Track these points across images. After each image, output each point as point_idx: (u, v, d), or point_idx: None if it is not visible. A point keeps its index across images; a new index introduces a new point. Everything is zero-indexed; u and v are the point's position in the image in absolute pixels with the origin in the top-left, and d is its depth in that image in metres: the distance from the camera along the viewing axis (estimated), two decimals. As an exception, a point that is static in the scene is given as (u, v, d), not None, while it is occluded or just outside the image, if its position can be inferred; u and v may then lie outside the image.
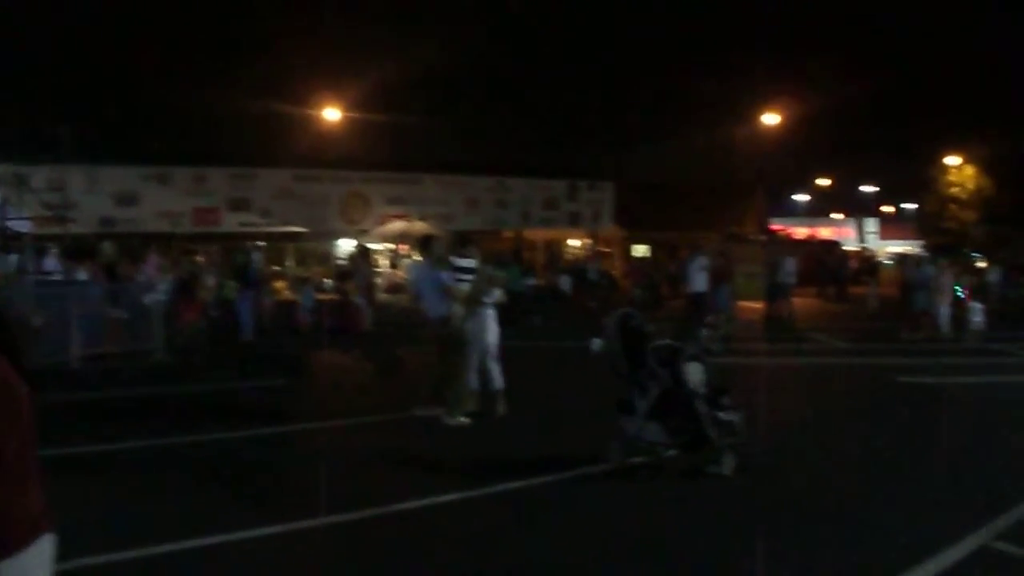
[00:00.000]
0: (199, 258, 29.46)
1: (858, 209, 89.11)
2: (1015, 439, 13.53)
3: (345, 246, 44.68)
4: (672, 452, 11.23)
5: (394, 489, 10.25)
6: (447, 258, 14.99)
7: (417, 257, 18.88)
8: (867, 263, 62.94)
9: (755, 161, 63.01)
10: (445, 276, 14.59)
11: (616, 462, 11.11)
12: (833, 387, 18.91)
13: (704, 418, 10.84)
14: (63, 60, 46.54)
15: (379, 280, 37.38)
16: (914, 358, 22.98)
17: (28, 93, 42.78)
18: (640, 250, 59.49)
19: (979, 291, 29.24)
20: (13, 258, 24.61)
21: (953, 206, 76.31)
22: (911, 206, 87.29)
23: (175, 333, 23.36)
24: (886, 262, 70.75)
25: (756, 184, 64.81)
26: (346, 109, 45.92)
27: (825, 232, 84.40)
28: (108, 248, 26.81)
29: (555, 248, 56.76)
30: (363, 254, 33.18)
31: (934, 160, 75.00)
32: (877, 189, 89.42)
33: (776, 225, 78.89)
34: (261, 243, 39.04)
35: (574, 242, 59.35)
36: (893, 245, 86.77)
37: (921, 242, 72.61)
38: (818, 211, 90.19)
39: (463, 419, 14.10)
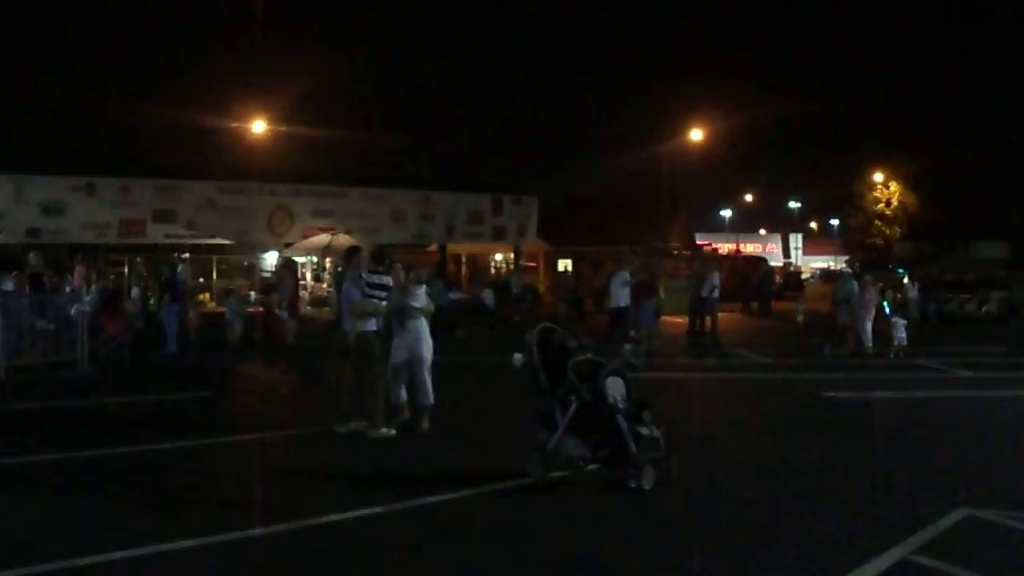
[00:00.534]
0: (124, 269, 29.16)
1: (783, 224, 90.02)
2: (937, 453, 13.65)
3: (270, 259, 44.43)
4: (593, 466, 11.23)
5: (314, 502, 10.17)
6: (364, 272, 14.91)
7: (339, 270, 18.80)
8: (792, 278, 63.70)
9: (680, 176, 63.58)
10: (354, 291, 14.55)
11: (536, 476, 11.08)
12: (756, 402, 18.99)
13: (624, 433, 10.84)
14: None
15: (303, 293, 37.23)
16: (838, 372, 23.17)
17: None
18: (565, 265, 59.66)
19: (901, 307, 29.62)
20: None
21: (878, 222, 77.40)
22: (836, 222, 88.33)
23: (99, 345, 23.13)
24: (810, 277, 71.58)
25: (681, 199, 65.39)
26: (272, 122, 45.75)
27: (750, 247, 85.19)
28: (34, 259, 26.45)
29: (479, 262, 56.76)
30: (287, 267, 32.98)
31: (860, 176, 76.02)
32: (803, 205, 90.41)
33: (701, 240, 79.56)
34: (186, 255, 38.70)
35: (499, 256, 59.40)
36: (818, 260, 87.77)
37: (846, 257, 73.47)
38: (744, 226, 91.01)
39: (387, 432, 14.05)
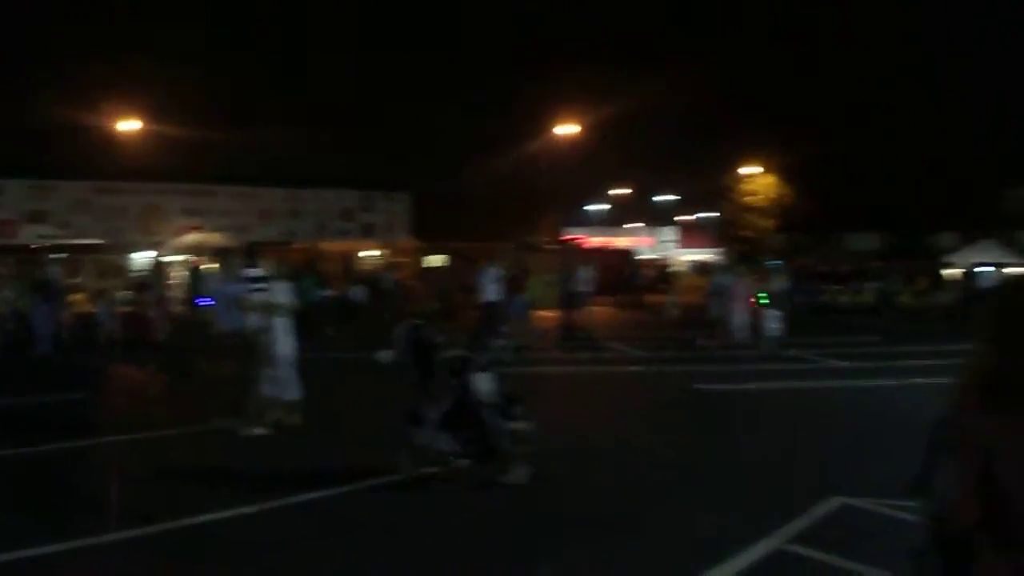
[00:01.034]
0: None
1: (656, 218, 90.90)
2: (810, 443, 13.96)
3: (143, 258, 43.85)
4: (464, 462, 11.33)
5: (189, 502, 10.20)
6: (240, 270, 14.92)
7: (213, 269, 18.73)
8: (662, 272, 64.46)
9: (551, 171, 63.90)
10: (238, 288, 14.55)
11: (408, 473, 11.19)
12: (628, 395, 19.26)
13: (494, 428, 11.01)
14: None
15: (175, 292, 36.84)
16: (710, 365, 23.54)
17: None
18: (436, 261, 59.64)
19: (774, 298, 30.18)
20: None
21: (751, 214, 78.45)
22: (710, 215, 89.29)
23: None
24: (683, 270, 72.41)
25: (552, 194, 65.73)
26: (144, 120, 45.06)
27: (624, 241, 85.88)
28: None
29: (350, 259, 56.55)
30: (159, 266, 32.63)
31: (733, 169, 76.95)
32: (676, 198, 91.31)
33: (573, 235, 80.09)
34: (59, 255, 38.06)
35: (369, 253, 59.21)
36: (692, 254, 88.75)
37: (720, 250, 74.44)
38: (616, 220, 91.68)
39: (261, 430, 14.09)
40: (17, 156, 41.34)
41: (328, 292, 36.04)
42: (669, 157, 73.12)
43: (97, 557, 8.61)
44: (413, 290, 45.52)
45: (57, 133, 42.15)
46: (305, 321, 15.74)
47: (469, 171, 62.76)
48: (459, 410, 11.11)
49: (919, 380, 19.35)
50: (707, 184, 79.85)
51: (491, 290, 26.53)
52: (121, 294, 35.20)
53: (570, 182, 70.94)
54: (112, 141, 42.38)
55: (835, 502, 10.31)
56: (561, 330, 30.92)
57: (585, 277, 31.64)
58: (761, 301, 28.53)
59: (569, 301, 32.15)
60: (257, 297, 14.69)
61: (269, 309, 14.66)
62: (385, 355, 11.49)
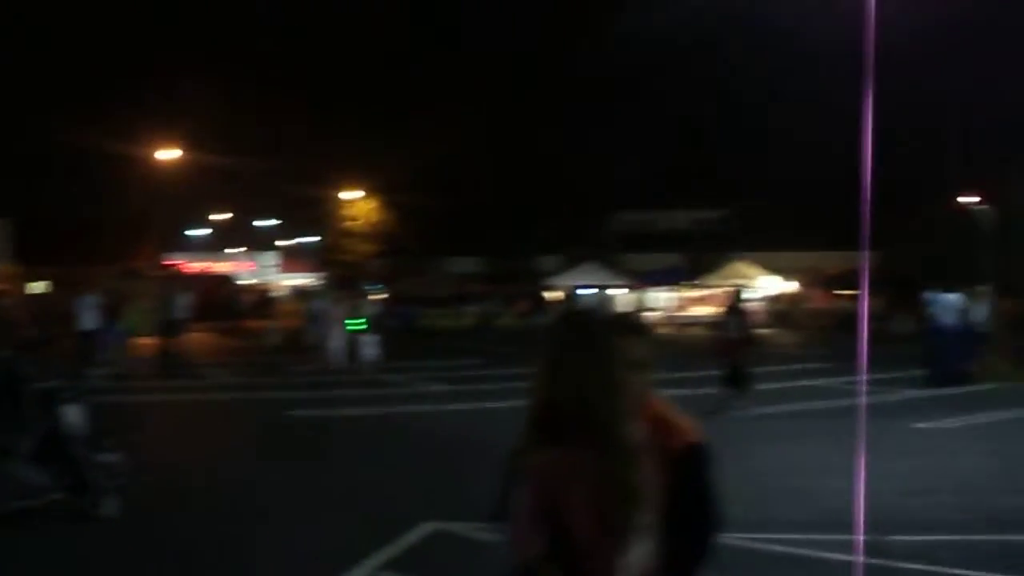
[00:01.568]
0: None
1: (258, 243, 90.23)
2: (404, 469, 14.27)
3: None
4: (58, 495, 11.11)
5: None
6: None
7: None
8: (263, 297, 64.13)
9: (153, 195, 62.51)
10: None
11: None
12: (222, 423, 19.20)
13: (82, 461, 10.90)
14: None
15: None
16: (307, 391, 23.67)
17: None
18: (39, 287, 57.23)
19: (370, 322, 30.62)
20: None
21: (352, 239, 79.11)
22: (312, 239, 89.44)
23: None
24: (283, 295, 72.18)
25: (153, 218, 64.37)
26: None
27: (225, 266, 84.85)
28: None
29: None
30: None
31: (335, 194, 77.36)
32: (277, 223, 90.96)
33: (173, 260, 78.43)
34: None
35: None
36: (293, 278, 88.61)
37: (321, 275, 74.66)
38: (218, 245, 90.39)
39: None
40: None
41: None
42: (273, 183, 72.77)
43: None
44: (13, 318, 43.50)
45: None
46: None
47: (74, 194, 60.54)
48: (49, 442, 10.93)
49: (518, 402, 20.09)
50: (309, 209, 79.99)
51: (88, 318, 25.88)
52: None
53: (171, 206, 69.58)
54: None
55: (428, 527, 10.49)
56: (159, 358, 30.37)
57: (183, 303, 31.10)
58: (355, 326, 28.84)
59: (167, 328, 31.57)
60: None
61: None
62: None
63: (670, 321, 55.08)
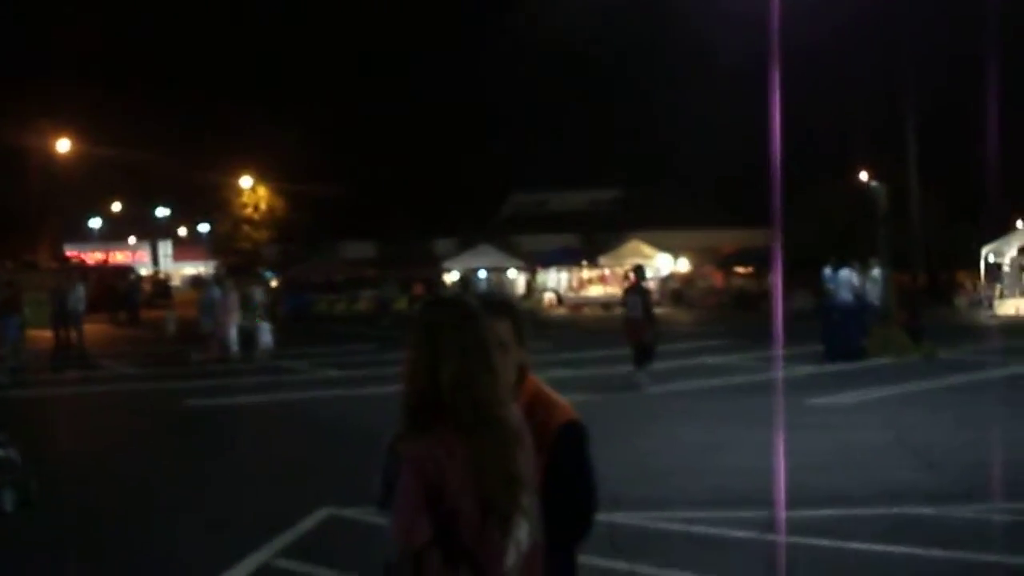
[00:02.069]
0: None
1: (153, 232, 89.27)
2: (300, 455, 14.34)
3: None
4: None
5: None
6: None
7: None
8: (160, 286, 63.41)
9: (50, 187, 61.60)
10: None
11: None
12: (119, 414, 18.98)
13: (-24, 455, 10.74)
14: None
15: None
16: (204, 380, 23.51)
17: None
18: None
19: (264, 310, 30.40)
20: None
21: (247, 226, 78.62)
22: (206, 227, 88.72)
23: None
24: (178, 284, 71.45)
25: (48, 210, 63.38)
26: None
27: (121, 256, 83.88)
28: None
29: None
30: None
31: (229, 182, 76.77)
32: (171, 211, 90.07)
33: (71, 252, 77.36)
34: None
35: None
36: (188, 266, 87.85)
37: (215, 262, 74.05)
38: (113, 235, 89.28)
39: None
40: None
41: None
42: (165, 171, 71.92)
43: None
44: None
45: None
46: None
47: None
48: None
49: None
50: (203, 197, 79.36)
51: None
52: None
53: (68, 198, 68.50)
54: None
55: (323, 512, 10.51)
56: (55, 350, 29.87)
57: (79, 295, 30.59)
58: (248, 314, 28.68)
59: (62, 320, 31.06)
60: None
61: None
62: None
63: (566, 302, 55.41)
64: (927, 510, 10.32)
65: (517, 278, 57.22)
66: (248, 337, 28.09)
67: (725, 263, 61.07)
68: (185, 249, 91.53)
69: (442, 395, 3.64)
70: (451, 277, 54.62)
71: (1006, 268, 42.58)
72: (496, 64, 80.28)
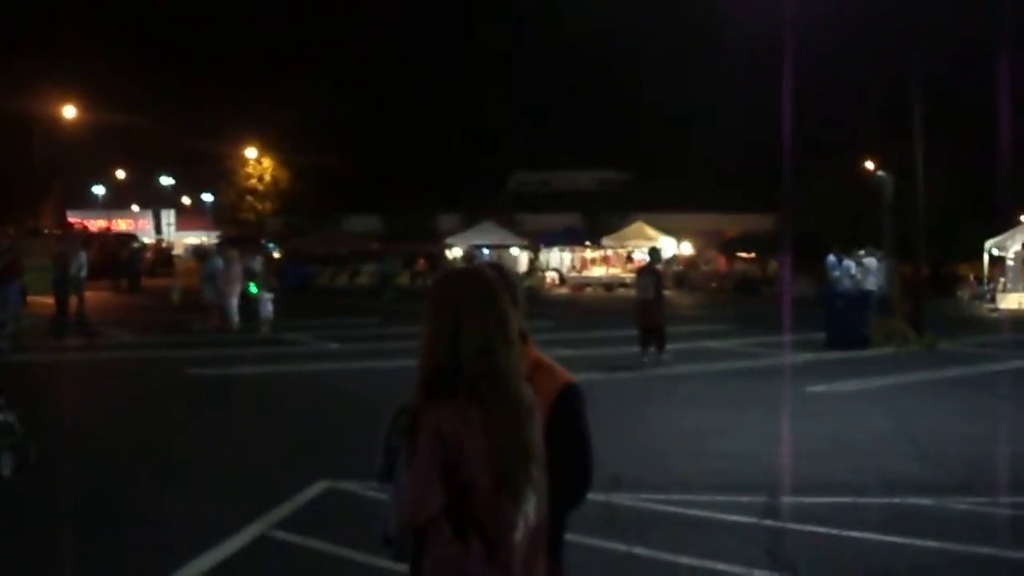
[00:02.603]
0: None
1: (156, 201, 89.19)
2: (299, 428, 14.31)
3: None
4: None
5: None
6: None
7: None
8: (163, 255, 63.33)
9: (54, 153, 61.54)
10: None
11: None
12: (119, 382, 18.97)
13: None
14: None
15: None
16: (204, 350, 23.46)
17: None
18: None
19: (266, 280, 30.31)
20: None
21: (250, 197, 78.57)
22: (209, 197, 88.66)
23: None
24: (183, 254, 71.36)
25: (53, 176, 63.33)
26: None
27: (124, 224, 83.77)
28: None
29: None
30: None
31: (234, 152, 76.70)
32: (175, 181, 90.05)
33: (74, 218, 77.35)
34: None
35: None
36: (191, 236, 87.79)
37: (217, 233, 73.95)
38: (116, 203, 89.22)
39: None
40: None
41: None
42: (169, 139, 71.92)
43: None
44: None
45: None
46: None
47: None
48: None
49: (412, 362, 20.00)
50: (208, 167, 79.32)
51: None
52: None
53: (72, 163, 68.41)
54: None
55: (321, 485, 10.55)
56: (56, 316, 29.85)
57: (81, 261, 30.53)
58: (251, 285, 28.67)
59: (64, 287, 31.02)
60: None
61: None
62: None
63: (568, 281, 55.37)
64: (925, 501, 10.33)
65: (520, 256, 57.10)
66: (250, 308, 28.03)
67: (728, 247, 61.01)
68: (188, 219, 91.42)
69: (462, 366, 3.66)
70: (454, 253, 54.51)
71: (1010, 262, 42.53)
72: (504, 42, 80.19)
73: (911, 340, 25.14)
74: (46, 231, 54.62)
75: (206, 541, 8.64)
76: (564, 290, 53.05)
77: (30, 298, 28.63)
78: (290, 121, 69.22)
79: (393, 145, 77.37)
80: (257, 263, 30.82)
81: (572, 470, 4.04)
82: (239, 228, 72.70)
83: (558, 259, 58.59)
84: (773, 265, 55.30)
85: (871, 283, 30.71)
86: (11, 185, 61.64)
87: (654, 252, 22.78)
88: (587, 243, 58.13)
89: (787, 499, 9.93)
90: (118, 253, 49.40)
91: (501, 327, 3.70)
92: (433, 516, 3.56)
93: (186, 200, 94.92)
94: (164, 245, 73.26)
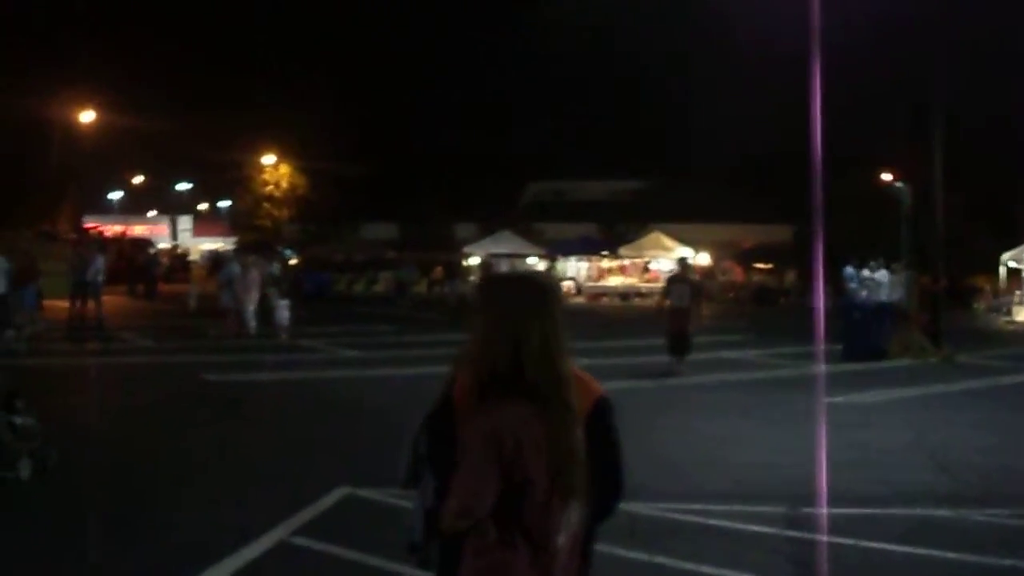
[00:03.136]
0: None
1: (173, 207, 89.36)
2: (318, 434, 14.32)
3: None
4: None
5: None
6: None
7: None
8: (179, 261, 63.41)
9: (72, 157, 61.57)
10: None
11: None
12: (137, 386, 18.91)
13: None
14: None
15: None
16: (221, 355, 23.48)
17: None
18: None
19: (280, 287, 30.39)
20: None
21: (267, 204, 78.67)
22: (226, 203, 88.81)
23: None
24: (200, 260, 71.46)
25: (69, 181, 63.39)
26: None
27: (140, 229, 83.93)
28: None
29: None
30: None
31: (251, 158, 76.81)
32: (192, 186, 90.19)
33: (90, 223, 77.49)
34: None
35: None
36: (207, 242, 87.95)
37: (234, 239, 74.09)
38: (133, 208, 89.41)
39: None
40: None
41: None
42: (188, 146, 71.98)
43: None
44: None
45: None
46: None
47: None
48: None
49: (432, 369, 20.17)
50: (225, 174, 79.41)
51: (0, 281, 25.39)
52: None
53: (89, 169, 68.52)
54: None
55: (341, 492, 10.51)
56: (73, 321, 29.93)
57: (98, 266, 30.60)
58: (267, 290, 28.78)
59: (81, 291, 31.10)
60: None
61: None
62: None
63: (584, 291, 55.37)
64: (945, 512, 10.30)
65: (537, 266, 57.14)
66: (267, 315, 28.10)
67: (745, 258, 60.97)
68: (205, 225, 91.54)
69: (524, 370, 3.66)
70: (471, 262, 54.56)
71: (1027, 276, 42.47)
72: (521, 52, 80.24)
73: (928, 352, 25.09)
74: (62, 235, 54.72)
75: (226, 548, 8.61)
76: (580, 299, 53.01)
77: (46, 302, 28.67)
78: (308, 128, 69.23)
79: (411, 153, 77.46)
80: (275, 269, 30.89)
81: (606, 482, 4.01)
82: (256, 235, 72.74)
83: (575, 269, 58.55)
84: (790, 276, 55.28)
85: (882, 296, 30.67)
86: (28, 189, 61.69)
87: (683, 262, 22.96)
88: (604, 253, 58.14)
89: (808, 510, 9.90)
90: (135, 258, 49.54)
91: (560, 333, 3.73)
92: (481, 516, 3.57)
93: (203, 206, 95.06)
94: (179, 251, 73.40)
